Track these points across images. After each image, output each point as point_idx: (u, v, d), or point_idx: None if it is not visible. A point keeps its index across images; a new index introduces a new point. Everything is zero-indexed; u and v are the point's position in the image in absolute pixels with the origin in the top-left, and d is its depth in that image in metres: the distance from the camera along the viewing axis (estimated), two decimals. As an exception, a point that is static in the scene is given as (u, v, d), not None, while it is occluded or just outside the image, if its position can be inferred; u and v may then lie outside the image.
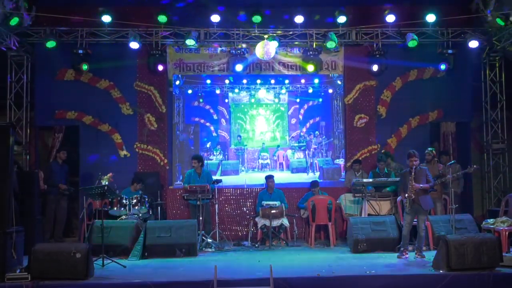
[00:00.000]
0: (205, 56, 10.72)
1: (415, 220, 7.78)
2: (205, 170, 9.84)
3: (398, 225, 8.39)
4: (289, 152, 14.44)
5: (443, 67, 10.34)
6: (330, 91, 13.20)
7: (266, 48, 9.61)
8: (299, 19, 10.09)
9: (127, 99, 10.55)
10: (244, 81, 12.94)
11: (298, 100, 14.21)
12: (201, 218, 8.79)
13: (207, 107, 14.11)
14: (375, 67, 10.32)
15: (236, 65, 10.21)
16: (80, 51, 9.89)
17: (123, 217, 8.76)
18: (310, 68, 10.35)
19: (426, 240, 8.50)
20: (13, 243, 6.46)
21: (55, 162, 9.86)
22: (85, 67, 9.94)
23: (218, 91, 13.42)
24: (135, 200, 8.85)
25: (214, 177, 9.99)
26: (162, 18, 9.99)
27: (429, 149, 9.53)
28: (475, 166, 9.20)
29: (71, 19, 9.77)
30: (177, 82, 11.85)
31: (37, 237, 8.10)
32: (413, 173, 7.61)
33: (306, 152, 14.16)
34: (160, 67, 10.20)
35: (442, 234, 7.83)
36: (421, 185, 7.55)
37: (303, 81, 13.14)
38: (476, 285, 6.14)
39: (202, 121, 14.11)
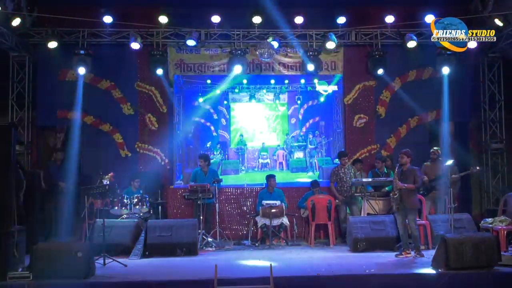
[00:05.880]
0: (205, 56, 10.74)
1: (414, 219, 7.84)
2: (211, 168, 9.94)
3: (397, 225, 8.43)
4: (281, 152, 14.46)
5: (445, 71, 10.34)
6: (330, 91, 13.24)
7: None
8: (299, 19, 10.14)
9: (128, 99, 10.59)
10: (244, 81, 12.99)
11: (298, 101, 14.27)
12: (201, 217, 8.84)
13: (207, 107, 14.15)
14: (374, 67, 10.37)
15: (235, 66, 10.21)
16: (82, 52, 9.92)
17: (124, 216, 8.81)
18: (310, 67, 10.36)
19: (425, 239, 8.56)
20: (15, 242, 6.48)
21: (53, 162, 9.85)
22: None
23: (218, 91, 13.46)
24: (136, 200, 8.90)
25: (216, 177, 10.02)
26: (163, 19, 10.04)
27: (434, 148, 9.55)
28: (477, 168, 9.22)
29: (73, 20, 9.79)
30: (178, 82, 11.89)
31: (39, 236, 8.13)
32: (395, 172, 7.73)
33: (306, 151, 14.22)
34: (160, 71, 10.21)
35: (441, 233, 7.87)
36: (405, 185, 7.59)
37: (303, 81, 13.19)
38: (475, 284, 6.20)
39: (202, 121, 14.16)
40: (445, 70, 10.23)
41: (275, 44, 10.07)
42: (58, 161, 9.77)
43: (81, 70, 9.93)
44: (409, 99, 10.54)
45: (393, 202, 7.82)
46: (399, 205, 7.65)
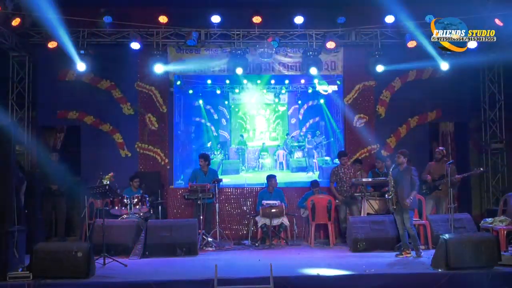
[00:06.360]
0: (205, 56, 10.75)
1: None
2: (211, 168, 9.94)
3: (397, 224, 8.44)
4: (282, 152, 14.47)
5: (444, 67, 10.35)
6: (330, 91, 13.23)
7: None
8: (299, 19, 10.13)
9: (128, 99, 10.62)
10: (245, 81, 12.98)
11: (299, 102, 14.26)
12: (201, 217, 8.84)
13: (208, 107, 14.14)
14: (374, 67, 10.37)
15: (236, 68, 10.21)
16: (82, 52, 9.92)
17: (124, 216, 8.82)
18: (313, 71, 10.36)
19: (425, 239, 8.56)
20: (15, 242, 6.48)
21: (52, 163, 9.84)
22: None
23: (218, 91, 13.47)
24: (136, 200, 8.91)
25: (215, 177, 10.02)
26: (163, 19, 10.04)
27: (439, 148, 9.59)
28: (481, 169, 9.22)
29: (73, 20, 9.79)
30: (178, 82, 11.90)
31: (39, 236, 8.13)
32: (390, 172, 7.77)
33: (305, 150, 14.23)
34: (160, 69, 10.21)
35: (441, 233, 7.87)
36: (411, 198, 7.56)
37: (302, 81, 13.18)
38: (475, 284, 6.19)
39: (202, 121, 14.15)
40: (444, 66, 10.23)
41: (275, 44, 10.07)
42: (56, 162, 9.76)
43: (81, 66, 9.88)
44: (409, 99, 10.59)
45: (388, 203, 7.83)
46: (396, 205, 7.65)
